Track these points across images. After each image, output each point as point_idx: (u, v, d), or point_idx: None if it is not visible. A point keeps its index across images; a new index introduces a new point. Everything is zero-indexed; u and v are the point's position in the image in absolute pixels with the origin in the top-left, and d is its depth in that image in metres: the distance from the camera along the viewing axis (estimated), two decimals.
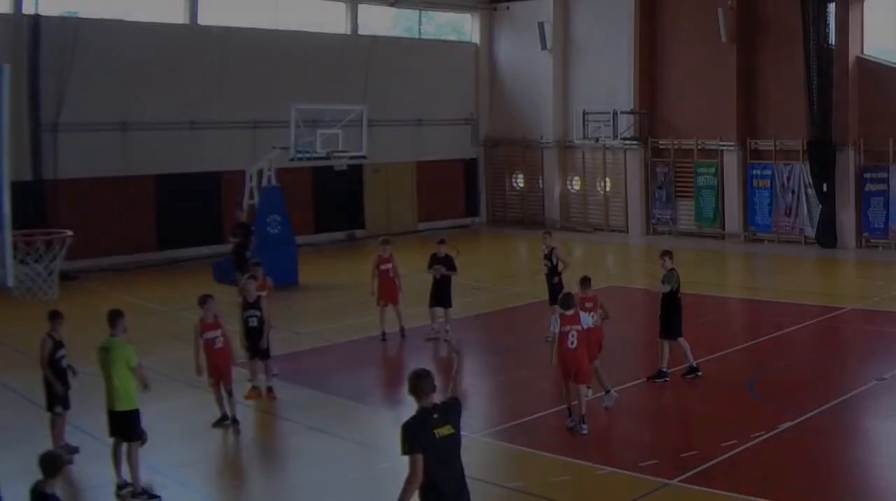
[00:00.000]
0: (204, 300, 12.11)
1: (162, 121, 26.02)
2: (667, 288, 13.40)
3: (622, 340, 16.85)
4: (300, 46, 28.72)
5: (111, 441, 10.00)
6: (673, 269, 13.61)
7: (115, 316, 10.04)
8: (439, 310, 16.42)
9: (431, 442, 6.58)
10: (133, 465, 9.73)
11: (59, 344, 10.90)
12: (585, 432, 11.46)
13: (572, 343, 11.59)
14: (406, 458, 6.54)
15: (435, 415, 6.68)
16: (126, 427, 9.81)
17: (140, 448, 9.93)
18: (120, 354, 9.74)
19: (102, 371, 9.90)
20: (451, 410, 6.83)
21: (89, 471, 10.36)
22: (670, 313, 13.57)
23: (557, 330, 11.57)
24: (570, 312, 11.67)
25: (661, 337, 13.67)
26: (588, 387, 12.10)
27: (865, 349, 15.55)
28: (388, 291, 16.55)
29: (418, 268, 18.02)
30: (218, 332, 12.02)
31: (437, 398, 6.80)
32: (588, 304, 12.72)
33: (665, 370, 13.59)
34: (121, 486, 9.84)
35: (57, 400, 10.76)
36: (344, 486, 9.64)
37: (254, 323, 13.07)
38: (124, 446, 9.85)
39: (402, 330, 16.80)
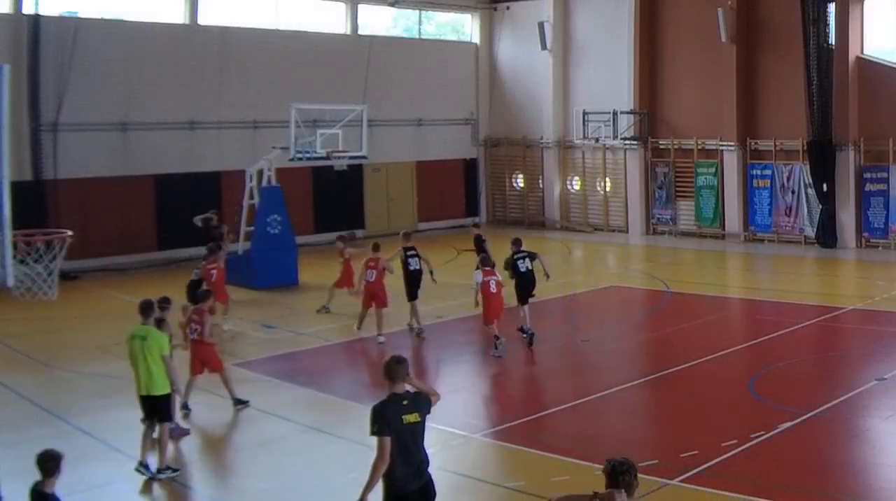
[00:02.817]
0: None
1: (162, 121, 26.00)
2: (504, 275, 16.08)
3: (621, 340, 16.88)
4: (300, 46, 28.72)
5: (143, 425, 10.52)
6: (515, 254, 16.12)
7: (146, 306, 10.57)
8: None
9: (398, 427, 6.93)
10: (163, 445, 10.26)
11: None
12: (505, 354, 15.08)
13: (493, 288, 15.22)
14: (374, 439, 6.95)
15: (405, 402, 7.07)
16: (160, 410, 10.32)
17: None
18: (155, 342, 10.19)
19: (134, 358, 10.31)
20: (421, 400, 7.22)
21: (89, 471, 10.35)
22: (521, 285, 16.16)
23: (481, 280, 15.18)
24: (489, 267, 15.43)
25: (519, 303, 16.18)
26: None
27: (865, 349, 15.54)
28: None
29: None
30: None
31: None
32: (371, 264, 16.46)
33: (526, 328, 15.90)
34: (143, 465, 10.21)
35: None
36: (344, 486, 9.60)
37: None
38: (156, 428, 10.37)
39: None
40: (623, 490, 5.52)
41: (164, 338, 10.35)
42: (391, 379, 7.13)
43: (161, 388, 10.25)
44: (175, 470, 10.32)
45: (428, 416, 7.28)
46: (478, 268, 15.98)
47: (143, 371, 10.23)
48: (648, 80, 29.67)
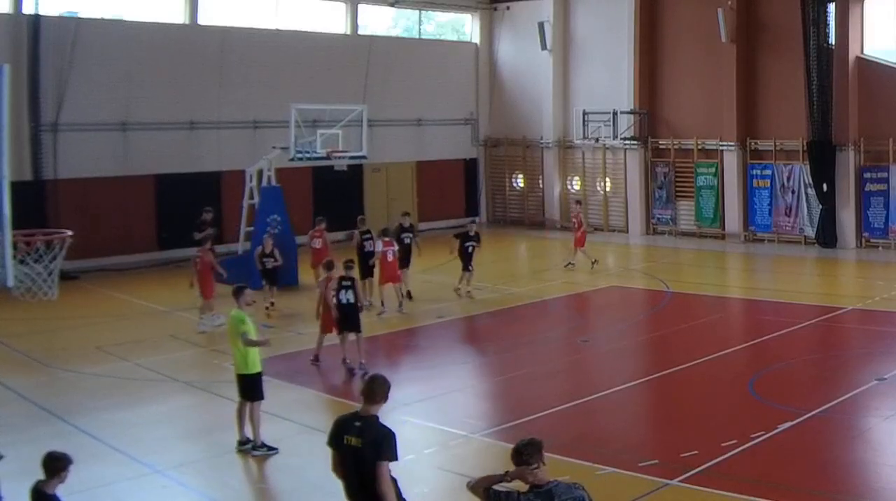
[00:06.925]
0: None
1: (162, 121, 26.00)
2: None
3: (621, 340, 16.89)
4: (300, 46, 28.71)
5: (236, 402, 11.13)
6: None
7: (238, 291, 11.27)
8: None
9: (339, 445, 6.85)
10: (255, 422, 10.88)
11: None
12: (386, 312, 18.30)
13: (390, 257, 18.25)
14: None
15: (357, 423, 6.77)
16: (247, 389, 10.93)
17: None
18: (237, 323, 10.88)
19: (230, 339, 11.13)
20: (375, 433, 6.71)
21: (89, 471, 10.34)
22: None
23: (380, 249, 18.27)
24: (388, 239, 18.46)
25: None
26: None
27: (865, 349, 15.55)
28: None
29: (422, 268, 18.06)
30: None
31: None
32: (316, 234, 20.12)
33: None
34: (242, 442, 10.90)
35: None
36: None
37: None
38: (248, 406, 10.91)
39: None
40: (524, 466, 5.99)
41: (245, 320, 10.90)
42: (364, 399, 6.86)
43: (245, 368, 10.87)
44: (271, 449, 10.83)
45: (379, 455, 6.70)
46: (378, 238, 18.82)
47: (234, 351, 11.00)
48: (648, 80, 29.67)
